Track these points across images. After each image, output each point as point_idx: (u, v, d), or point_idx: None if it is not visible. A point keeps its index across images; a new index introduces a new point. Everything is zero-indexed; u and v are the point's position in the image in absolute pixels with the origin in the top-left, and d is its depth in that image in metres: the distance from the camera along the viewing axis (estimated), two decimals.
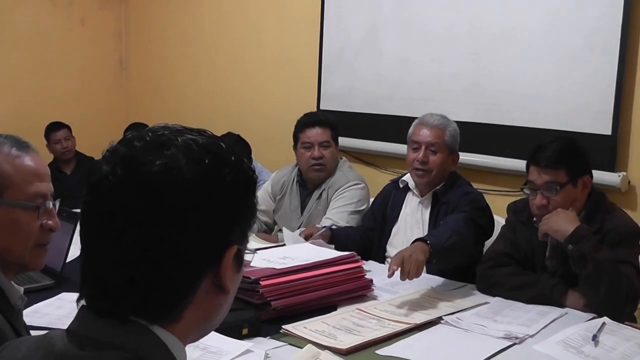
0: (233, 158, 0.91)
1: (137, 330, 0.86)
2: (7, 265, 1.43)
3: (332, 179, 3.23)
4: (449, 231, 2.46)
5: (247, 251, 0.99)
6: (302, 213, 3.27)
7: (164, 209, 0.84)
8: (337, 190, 3.18)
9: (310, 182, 3.29)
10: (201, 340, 1.01)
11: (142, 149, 0.87)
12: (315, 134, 3.22)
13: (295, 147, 3.30)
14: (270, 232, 3.29)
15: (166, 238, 0.84)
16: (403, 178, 2.91)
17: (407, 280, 2.25)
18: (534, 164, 2.35)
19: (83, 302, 0.90)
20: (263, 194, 3.41)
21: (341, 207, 3.12)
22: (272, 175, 3.48)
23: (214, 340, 1.83)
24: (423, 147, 2.77)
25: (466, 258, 2.54)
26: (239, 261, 0.94)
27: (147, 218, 0.84)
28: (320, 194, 3.23)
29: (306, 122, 3.29)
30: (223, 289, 0.91)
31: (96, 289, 0.88)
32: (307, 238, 2.76)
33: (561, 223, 2.26)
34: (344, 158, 3.39)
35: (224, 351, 1.80)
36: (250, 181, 0.93)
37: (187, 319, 0.89)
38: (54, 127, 4.90)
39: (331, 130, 3.26)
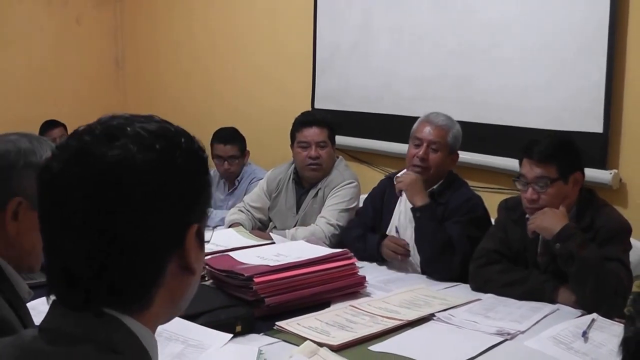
0: (183, 140, 0.93)
1: (108, 322, 0.87)
2: (21, 265, 1.46)
3: (328, 178, 3.24)
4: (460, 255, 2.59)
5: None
6: (297, 211, 3.29)
7: (122, 199, 0.85)
8: (333, 189, 3.19)
9: (306, 181, 3.31)
10: (181, 333, 1.03)
11: (94, 142, 0.88)
12: (312, 133, 3.23)
13: (292, 145, 3.31)
14: (265, 230, 3.30)
15: (128, 227, 0.85)
16: (398, 175, 2.92)
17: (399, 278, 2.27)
18: (526, 157, 2.36)
19: (53, 297, 0.91)
20: (259, 191, 3.43)
21: (334, 205, 3.14)
22: (268, 173, 3.49)
23: (195, 332, 1.84)
24: (425, 145, 2.78)
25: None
26: (201, 239, 0.95)
27: (107, 209, 0.85)
28: (317, 192, 3.24)
29: (303, 121, 3.30)
30: (189, 269, 0.93)
31: (64, 283, 0.88)
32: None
33: (549, 221, 2.28)
34: (340, 157, 3.41)
35: (206, 344, 1.81)
36: (202, 161, 0.95)
37: (158, 303, 0.91)
38: (49, 126, 4.90)
39: (328, 130, 3.27)
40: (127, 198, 0.85)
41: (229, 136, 4.00)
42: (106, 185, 0.85)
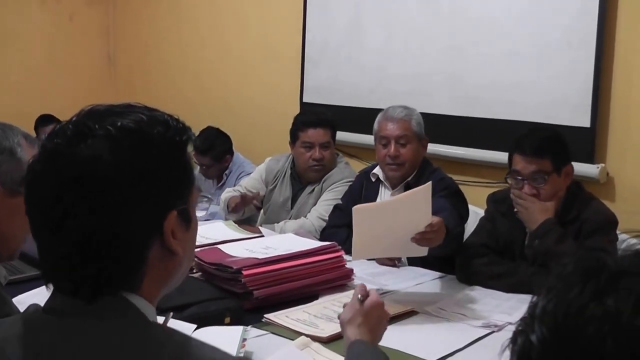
0: (157, 131, 0.95)
1: (108, 301, 0.93)
2: (1, 251, 1.48)
3: (328, 174, 3.25)
4: (456, 220, 2.41)
5: (202, 200, 1.05)
6: (292, 206, 3.29)
7: (95, 197, 0.89)
8: (331, 185, 3.20)
9: (305, 179, 3.31)
10: None
11: (64, 144, 0.92)
12: (317, 134, 3.22)
13: (293, 143, 3.29)
14: (253, 223, 3.31)
15: (103, 221, 0.90)
16: (374, 171, 2.90)
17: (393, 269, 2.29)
18: (519, 153, 2.34)
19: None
20: (257, 177, 3.41)
21: (329, 200, 3.14)
22: (267, 162, 3.47)
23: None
24: (392, 142, 2.76)
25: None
26: (186, 220, 1.00)
27: (82, 207, 0.89)
28: (314, 188, 3.25)
29: (308, 121, 3.27)
30: (172, 251, 0.97)
31: (54, 274, 0.95)
32: None
33: (534, 214, 2.29)
34: (339, 154, 3.41)
35: None
36: (177, 145, 0.98)
37: (147, 285, 0.96)
38: (44, 121, 4.90)
39: (331, 130, 3.27)
40: (100, 196, 0.89)
41: (204, 146, 3.97)
42: (78, 185, 0.89)
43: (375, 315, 1.55)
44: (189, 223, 1.01)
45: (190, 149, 1.02)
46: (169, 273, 1.01)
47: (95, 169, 0.89)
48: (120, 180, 0.90)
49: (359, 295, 1.56)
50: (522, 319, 0.67)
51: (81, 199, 0.89)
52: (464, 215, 2.66)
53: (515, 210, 2.36)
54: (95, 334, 0.90)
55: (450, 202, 2.54)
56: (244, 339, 1.78)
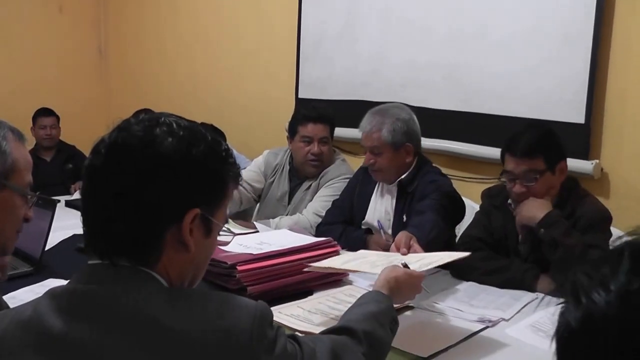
0: (209, 138, 1.15)
1: (132, 270, 1.09)
2: None
3: (325, 170, 3.25)
4: (430, 223, 2.43)
5: (224, 232, 1.21)
6: (289, 202, 3.28)
7: (137, 164, 1.07)
8: (328, 181, 3.19)
9: (302, 174, 3.30)
10: None
11: (133, 122, 1.13)
12: (316, 129, 3.22)
13: (292, 137, 3.28)
14: (248, 217, 3.30)
15: (136, 187, 1.06)
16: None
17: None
18: (509, 154, 2.34)
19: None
20: (256, 169, 3.39)
21: (326, 196, 3.14)
22: (266, 154, 3.45)
23: None
24: (368, 152, 2.77)
25: (441, 246, 2.54)
26: (207, 228, 1.14)
27: (126, 169, 1.08)
28: (311, 184, 3.25)
29: (309, 116, 3.26)
30: (186, 246, 1.10)
31: (92, 229, 1.11)
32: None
33: (533, 210, 2.29)
34: (337, 151, 3.40)
35: None
36: (220, 160, 1.15)
37: (161, 266, 1.10)
38: (43, 113, 4.89)
39: (330, 126, 3.28)
40: (143, 166, 1.07)
41: None
42: (131, 152, 1.08)
43: (410, 281, 1.78)
44: (208, 232, 1.15)
45: (233, 178, 1.18)
46: (180, 267, 1.13)
47: (148, 143, 1.08)
48: (164, 159, 1.08)
49: (403, 262, 1.75)
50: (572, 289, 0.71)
51: (128, 161, 1.07)
52: (454, 216, 2.63)
53: (517, 218, 2.35)
54: (141, 293, 1.05)
55: (434, 205, 2.54)
56: None
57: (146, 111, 1.23)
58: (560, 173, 2.36)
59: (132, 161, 1.08)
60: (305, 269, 2.09)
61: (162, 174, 1.07)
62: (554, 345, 0.71)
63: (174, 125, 1.12)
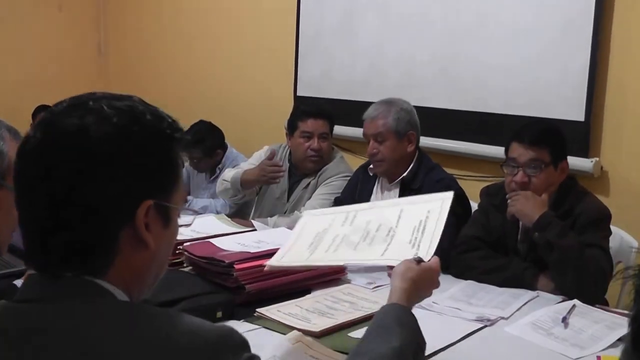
0: (148, 118, 0.99)
1: (83, 284, 0.95)
2: None
3: (323, 168, 3.24)
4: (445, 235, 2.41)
5: (186, 212, 1.10)
6: (288, 199, 3.27)
7: (74, 165, 0.93)
8: (326, 179, 3.18)
9: (301, 171, 3.29)
10: None
11: (59, 113, 0.98)
12: (316, 125, 3.22)
13: (291, 134, 3.28)
14: (245, 215, 3.29)
15: (77, 189, 0.93)
16: (371, 166, 2.91)
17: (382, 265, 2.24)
18: (517, 141, 2.34)
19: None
20: (255, 162, 3.35)
21: (325, 194, 3.14)
22: (266, 149, 3.42)
23: None
24: (371, 140, 2.80)
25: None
26: (165, 217, 1.02)
27: (60, 171, 0.93)
28: (309, 183, 3.23)
29: (309, 111, 3.27)
30: (145, 243, 0.98)
31: (30, 245, 0.98)
32: None
33: (529, 208, 2.28)
34: (335, 148, 3.39)
35: None
36: (167, 140, 1.01)
37: (116, 275, 0.97)
38: (43, 110, 4.84)
39: (330, 122, 3.27)
40: (79, 164, 0.93)
41: (194, 139, 3.95)
42: (62, 151, 0.94)
43: (427, 277, 1.54)
44: (167, 220, 1.03)
45: (182, 149, 1.05)
46: (140, 267, 1.01)
47: (79, 137, 0.94)
48: (101, 153, 0.94)
49: (415, 255, 1.54)
50: None
51: (60, 163, 0.93)
52: (463, 216, 2.62)
53: (509, 207, 2.34)
54: (80, 313, 0.92)
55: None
56: None
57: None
58: (561, 172, 2.36)
59: (63, 162, 0.93)
60: (266, 268, 1.80)
61: (102, 171, 0.93)
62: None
63: (105, 109, 0.96)
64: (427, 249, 1.60)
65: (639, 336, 0.72)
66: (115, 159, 0.94)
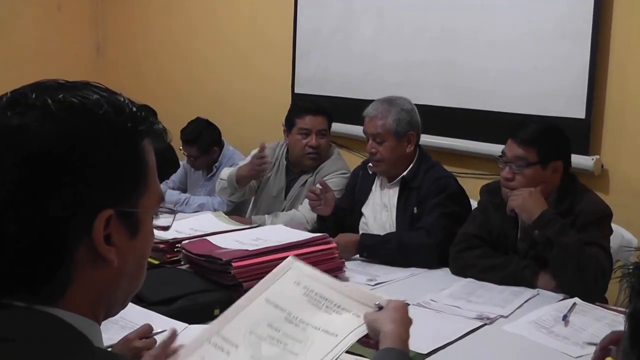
0: (102, 111, 0.83)
1: (33, 315, 0.80)
2: None
3: (321, 165, 3.22)
4: (440, 229, 2.56)
5: (163, 210, 0.94)
6: (285, 197, 3.25)
7: (12, 170, 0.78)
8: (324, 177, 3.17)
9: (298, 168, 3.27)
10: (135, 321, 0.96)
11: None
12: (315, 121, 3.19)
13: (289, 130, 3.26)
14: (241, 213, 3.27)
15: (16, 202, 0.78)
16: (370, 164, 2.89)
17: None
18: (511, 137, 2.38)
19: None
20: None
21: None
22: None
23: (135, 316, 1.74)
24: (370, 139, 2.79)
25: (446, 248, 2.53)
26: (132, 224, 0.86)
27: None
28: (307, 180, 3.22)
29: (307, 108, 3.26)
30: (104, 259, 0.83)
31: None
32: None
33: (530, 205, 2.27)
34: (333, 145, 3.38)
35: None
36: (125, 132, 0.85)
37: (76, 297, 0.82)
38: None
39: (328, 119, 3.25)
40: (17, 171, 0.78)
41: (190, 136, 3.92)
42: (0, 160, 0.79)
43: (403, 316, 1.35)
44: (135, 229, 0.86)
45: (151, 141, 0.89)
46: (103, 285, 0.85)
47: (17, 139, 0.78)
48: (43, 156, 0.78)
49: (376, 302, 1.36)
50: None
51: None
52: (461, 215, 2.61)
53: (510, 201, 2.32)
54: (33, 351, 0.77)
55: (440, 213, 2.59)
56: None
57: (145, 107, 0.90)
58: (553, 171, 2.34)
59: (1, 169, 0.78)
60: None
61: (47, 178, 0.78)
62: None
63: (49, 103, 0.80)
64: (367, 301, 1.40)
65: (636, 333, 0.72)
66: (63, 164, 0.78)
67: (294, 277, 1.49)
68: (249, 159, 3.34)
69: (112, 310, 0.90)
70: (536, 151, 2.32)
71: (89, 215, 0.81)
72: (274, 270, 1.52)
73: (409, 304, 1.39)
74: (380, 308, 1.35)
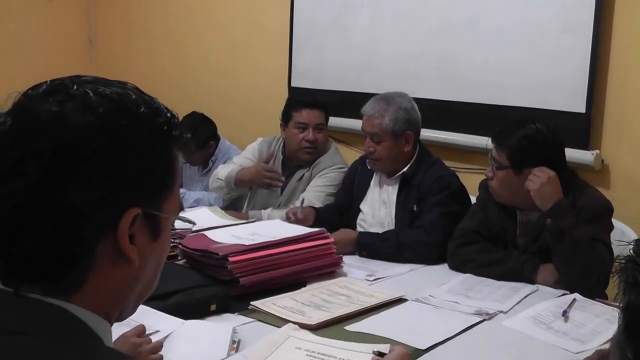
0: (142, 110, 0.84)
1: (48, 310, 0.80)
2: None
3: (318, 160, 3.19)
4: (440, 228, 2.56)
5: (184, 221, 0.95)
6: (282, 192, 3.23)
7: (43, 156, 0.78)
8: (321, 171, 3.15)
9: (295, 162, 3.24)
10: (133, 317, 0.96)
11: (34, 97, 0.83)
12: (312, 115, 3.17)
13: (285, 124, 3.23)
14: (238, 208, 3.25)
15: (46, 190, 0.78)
16: (369, 160, 2.87)
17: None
18: (491, 137, 2.41)
19: None
20: (250, 156, 3.32)
21: (320, 186, 3.09)
22: (259, 142, 3.38)
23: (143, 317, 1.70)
24: (368, 137, 2.76)
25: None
26: (154, 228, 0.87)
27: (30, 165, 0.78)
28: (303, 174, 3.19)
29: (304, 101, 3.23)
30: (127, 258, 0.83)
31: None
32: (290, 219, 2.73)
33: (547, 191, 2.22)
34: (330, 139, 3.35)
35: (153, 329, 1.71)
36: (161, 135, 0.86)
37: (90, 289, 0.82)
38: None
39: (325, 113, 3.22)
40: (53, 159, 0.78)
41: (186, 131, 3.89)
42: (33, 142, 0.79)
43: None
44: (157, 232, 0.87)
45: (179, 148, 0.91)
46: (119, 286, 0.85)
47: (54, 126, 0.79)
48: (79, 147, 0.78)
49: (375, 350, 1.39)
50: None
51: (31, 156, 0.78)
52: (462, 213, 2.57)
53: (528, 182, 2.27)
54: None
55: (440, 212, 2.58)
56: (234, 342, 1.72)
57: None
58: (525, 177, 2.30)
59: (34, 155, 0.78)
60: None
61: (81, 169, 0.78)
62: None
63: (91, 96, 0.81)
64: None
65: (631, 326, 0.72)
66: (98, 156, 0.79)
67: (294, 343, 1.62)
68: (247, 155, 3.32)
69: (123, 313, 0.90)
70: (506, 156, 2.32)
71: (116, 211, 0.81)
72: (272, 339, 1.65)
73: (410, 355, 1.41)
74: (380, 354, 1.37)
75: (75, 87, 0.82)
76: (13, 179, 0.78)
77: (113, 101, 0.82)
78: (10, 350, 0.76)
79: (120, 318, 0.91)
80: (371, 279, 2.29)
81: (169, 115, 0.88)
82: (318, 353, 1.53)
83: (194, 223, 1.04)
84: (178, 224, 0.96)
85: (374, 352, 1.39)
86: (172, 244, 2.26)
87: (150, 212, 0.85)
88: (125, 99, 0.84)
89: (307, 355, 1.54)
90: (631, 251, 0.77)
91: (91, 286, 0.82)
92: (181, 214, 0.93)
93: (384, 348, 1.41)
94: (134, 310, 0.93)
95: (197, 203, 3.63)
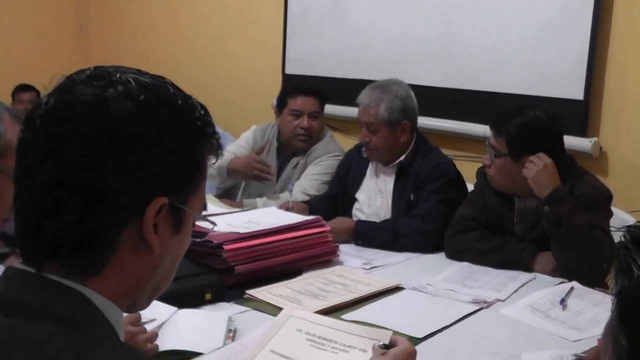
0: (179, 102, 0.87)
1: (68, 293, 0.82)
2: None
3: (313, 147, 3.17)
4: (437, 216, 2.53)
5: (205, 218, 0.96)
6: (277, 180, 3.20)
7: (83, 140, 0.80)
8: (316, 159, 3.12)
9: (290, 149, 3.21)
10: None
11: (78, 81, 0.84)
12: (307, 102, 3.14)
13: (280, 111, 3.20)
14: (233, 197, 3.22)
15: (82, 171, 0.80)
16: (364, 148, 2.84)
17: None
18: (490, 124, 2.40)
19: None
20: (242, 143, 3.30)
21: (316, 174, 3.07)
22: (253, 130, 3.36)
23: None
24: (364, 127, 2.73)
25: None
26: (178, 221, 0.89)
27: (66, 148, 0.80)
28: (298, 162, 3.17)
29: (299, 88, 3.20)
30: (147, 245, 0.85)
31: (22, 228, 0.85)
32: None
33: (544, 178, 2.21)
34: (325, 127, 3.32)
35: (148, 317, 1.68)
36: (195, 130, 0.88)
37: (110, 274, 0.84)
38: (22, 88, 4.82)
39: (321, 100, 3.19)
40: (91, 141, 0.80)
41: None
42: (73, 123, 0.81)
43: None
44: (179, 226, 0.89)
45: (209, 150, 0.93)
46: (138, 273, 0.88)
47: (96, 109, 0.81)
48: (118, 133, 0.81)
49: (379, 342, 1.36)
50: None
51: (70, 136, 0.80)
52: (459, 201, 2.56)
53: (524, 169, 2.26)
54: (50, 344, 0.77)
55: (437, 200, 2.57)
56: (230, 330, 1.70)
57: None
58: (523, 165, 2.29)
59: (73, 136, 0.80)
60: None
61: (117, 153, 0.81)
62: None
63: (133, 84, 0.84)
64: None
65: (625, 311, 0.72)
66: (134, 143, 0.81)
67: (295, 324, 1.59)
68: (242, 143, 3.28)
69: (137, 303, 0.92)
70: (505, 143, 2.30)
71: (145, 198, 0.84)
72: (275, 321, 1.63)
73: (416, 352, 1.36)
74: (385, 346, 1.34)
75: (118, 75, 0.84)
76: (50, 157, 0.80)
77: (153, 92, 0.85)
78: (21, 334, 0.77)
79: (132, 309, 0.93)
80: (367, 267, 2.28)
81: (202, 112, 0.90)
82: (318, 337, 1.52)
83: (215, 224, 1.06)
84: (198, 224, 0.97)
85: (378, 347, 1.36)
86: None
87: (176, 204, 0.87)
88: (164, 91, 0.87)
89: (307, 339, 1.53)
90: (621, 237, 0.75)
91: (110, 271, 0.84)
92: (204, 213, 0.94)
93: (385, 335, 1.39)
94: (147, 304, 0.95)
95: None
